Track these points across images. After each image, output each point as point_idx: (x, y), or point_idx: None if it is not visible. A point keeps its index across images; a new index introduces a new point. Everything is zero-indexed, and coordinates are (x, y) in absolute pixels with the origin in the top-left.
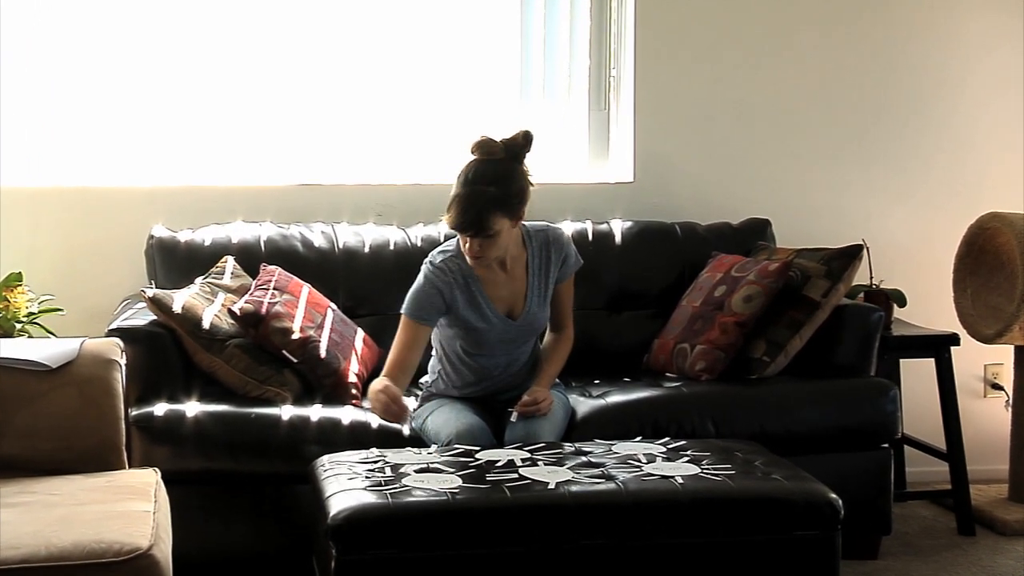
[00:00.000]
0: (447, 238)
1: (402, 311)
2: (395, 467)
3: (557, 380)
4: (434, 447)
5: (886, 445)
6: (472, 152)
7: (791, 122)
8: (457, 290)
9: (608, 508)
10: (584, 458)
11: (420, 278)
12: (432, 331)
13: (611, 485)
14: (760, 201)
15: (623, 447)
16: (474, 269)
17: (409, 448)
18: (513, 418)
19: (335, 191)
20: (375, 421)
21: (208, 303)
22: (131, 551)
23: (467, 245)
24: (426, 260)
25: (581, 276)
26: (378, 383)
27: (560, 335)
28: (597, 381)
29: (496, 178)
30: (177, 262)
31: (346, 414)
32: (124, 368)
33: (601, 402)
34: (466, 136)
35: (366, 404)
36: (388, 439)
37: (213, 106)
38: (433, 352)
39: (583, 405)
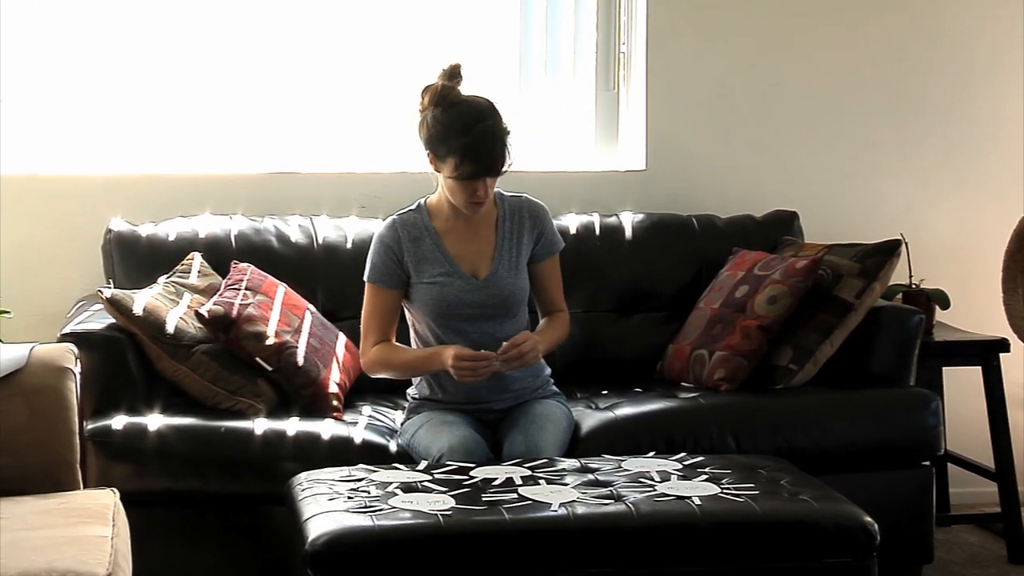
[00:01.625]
0: None
1: (364, 278)
2: (381, 486)
3: (558, 390)
4: (424, 463)
5: (927, 463)
6: (434, 103)
7: (822, 104)
8: (410, 243)
9: (617, 532)
10: (591, 476)
11: (374, 238)
12: (399, 296)
13: (620, 506)
14: (787, 192)
15: (634, 464)
16: (431, 223)
17: (396, 465)
18: (497, 362)
19: (314, 180)
20: (358, 435)
21: (173, 305)
22: None
23: (479, 192)
24: None
25: (586, 274)
26: (448, 358)
27: (554, 316)
28: (605, 392)
29: (487, 112)
30: (138, 259)
31: (326, 428)
32: (78, 377)
33: (609, 415)
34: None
35: (348, 417)
36: (373, 455)
37: (177, 85)
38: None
39: (589, 418)
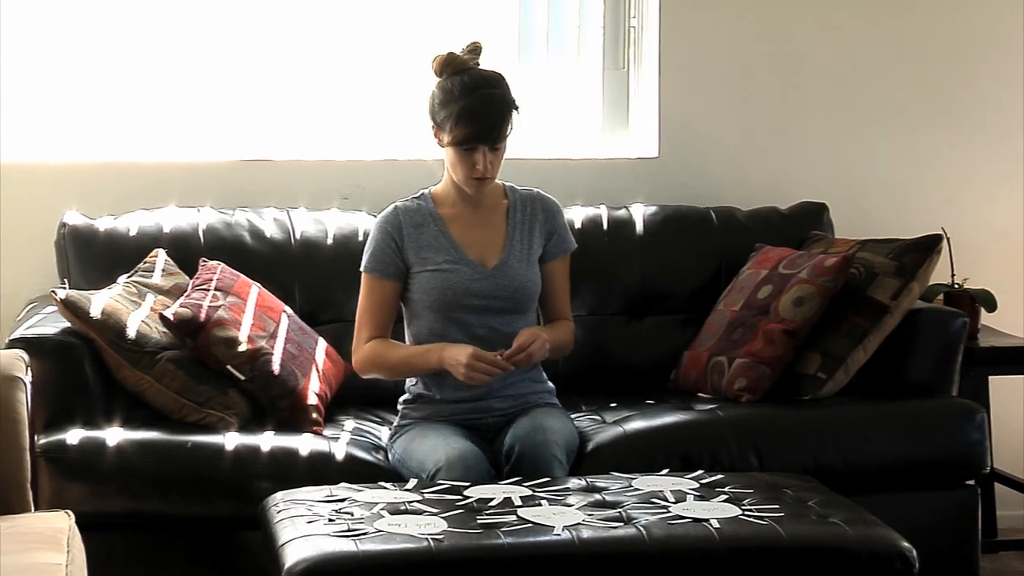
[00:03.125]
0: None
1: (361, 268)
2: (365, 507)
3: (558, 402)
4: (413, 482)
5: (971, 482)
6: (441, 70)
7: (855, 83)
8: (412, 228)
9: (627, 559)
10: (598, 496)
11: (373, 226)
12: (398, 288)
13: (630, 530)
14: (815, 181)
15: (645, 483)
16: (436, 209)
17: (382, 484)
18: (501, 357)
19: (291, 169)
20: (340, 451)
21: (134, 307)
22: None
23: (478, 165)
24: None
25: (593, 273)
26: (461, 355)
27: (558, 324)
28: (613, 403)
29: (493, 80)
30: (95, 256)
31: (305, 443)
32: (29, 387)
33: (619, 429)
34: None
35: (329, 431)
36: (357, 473)
37: (139, 64)
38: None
39: (597, 432)
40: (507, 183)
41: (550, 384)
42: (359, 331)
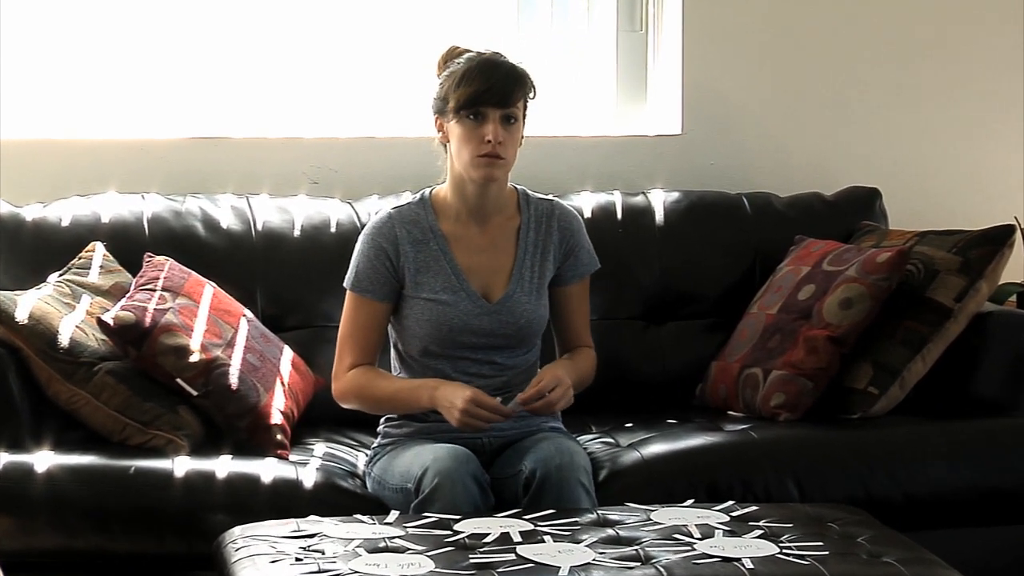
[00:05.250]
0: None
1: (345, 283)
2: (339, 544)
3: (563, 427)
4: (395, 515)
5: None
6: (445, 62)
7: (912, 49)
8: (410, 245)
9: None
10: (611, 531)
11: (361, 235)
12: (389, 309)
13: (649, 571)
14: (865, 163)
15: (667, 515)
16: (438, 224)
17: (359, 516)
18: (512, 406)
19: (251, 148)
20: (309, 478)
21: (67, 310)
22: None
23: (487, 136)
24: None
25: (605, 271)
26: (458, 397)
27: (578, 352)
28: (629, 424)
29: (497, 56)
30: (21, 251)
31: (268, 469)
32: None
33: (635, 454)
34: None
35: (296, 456)
36: (329, 503)
37: (73, 28)
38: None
39: (610, 458)
40: (520, 187)
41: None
42: (341, 355)
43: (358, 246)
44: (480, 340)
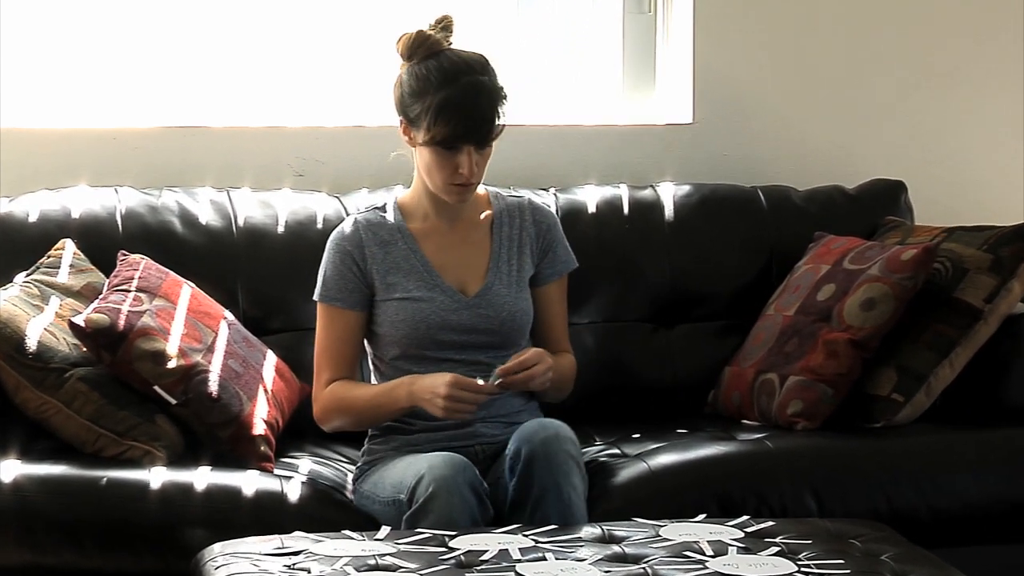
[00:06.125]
0: None
1: (315, 296)
2: (326, 562)
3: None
4: (385, 530)
5: None
6: (410, 53)
7: (940, 34)
8: (377, 247)
9: None
10: (616, 548)
11: (327, 244)
12: (363, 318)
13: None
14: (889, 154)
15: (676, 531)
16: (405, 224)
17: (347, 532)
18: (492, 380)
19: (231, 138)
20: (294, 491)
21: (36, 312)
22: None
23: (461, 168)
24: None
25: (610, 270)
26: (439, 384)
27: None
28: (636, 434)
29: (476, 64)
30: None
31: (250, 482)
32: None
33: (642, 465)
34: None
35: (280, 468)
36: (315, 518)
37: (43, 10)
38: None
39: (615, 470)
40: (491, 188)
41: (536, 403)
42: (318, 374)
43: (325, 256)
44: (461, 338)
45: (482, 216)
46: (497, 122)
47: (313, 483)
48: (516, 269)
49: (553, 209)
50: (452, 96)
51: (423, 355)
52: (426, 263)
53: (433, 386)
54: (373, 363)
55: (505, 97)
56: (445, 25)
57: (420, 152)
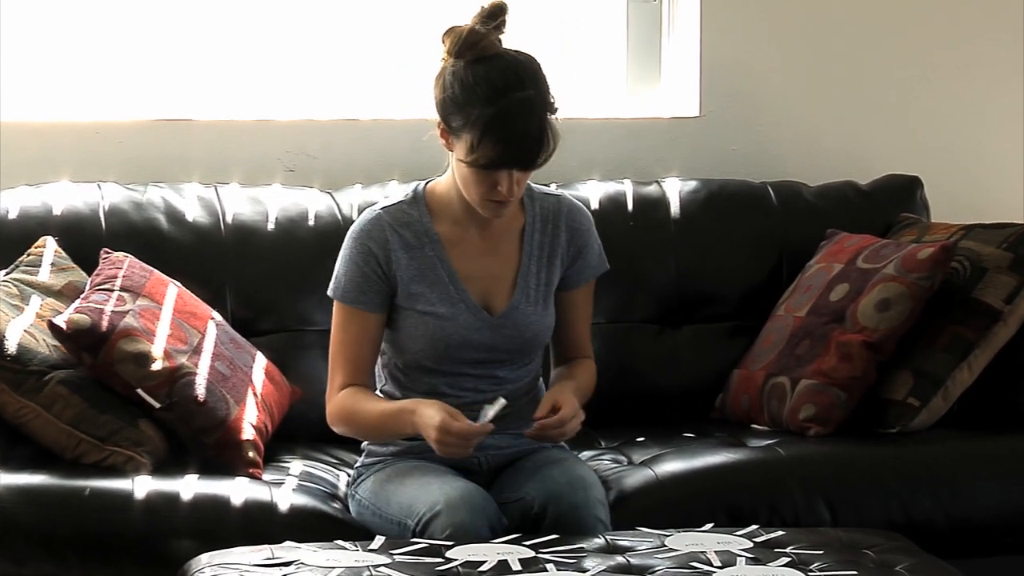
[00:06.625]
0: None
1: (331, 293)
2: (318, 572)
3: (566, 445)
4: (379, 540)
5: None
6: (456, 52)
7: (958, 24)
8: (403, 250)
9: None
10: (620, 558)
11: (347, 238)
12: (382, 320)
13: None
14: (904, 148)
15: (683, 541)
16: (433, 226)
17: (340, 542)
18: (485, 418)
19: (219, 132)
20: (284, 500)
21: (15, 312)
22: None
23: (500, 187)
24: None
25: (614, 269)
26: (430, 423)
27: (577, 364)
28: (641, 438)
29: (528, 73)
30: None
31: (238, 489)
32: None
33: (648, 472)
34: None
35: (270, 475)
36: (306, 527)
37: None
38: (377, 382)
39: (620, 477)
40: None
41: None
42: (332, 375)
43: (344, 250)
44: (480, 355)
45: (513, 223)
46: (548, 146)
47: (304, 490)
48: (544, 283)
49: None
50: (499, 117)
51: (438, 368)
52: (452, 274)
53: (425, 425)
54: (382, 358)
55: (555, 110)
56: (497, 18)
57: (459, 167)
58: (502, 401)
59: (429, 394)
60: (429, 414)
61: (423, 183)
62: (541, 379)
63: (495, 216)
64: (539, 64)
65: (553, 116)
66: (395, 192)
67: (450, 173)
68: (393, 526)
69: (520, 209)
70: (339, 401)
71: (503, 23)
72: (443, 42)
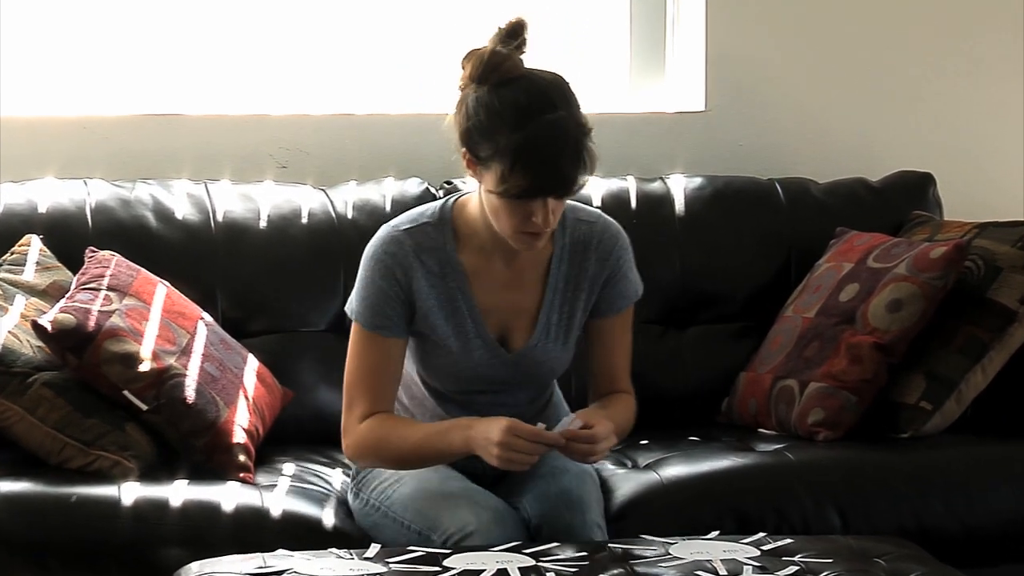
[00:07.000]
0: (399, 208)
1: (351, 314)
2: None
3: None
4: (375, 548)
5: None
6: (478, 78)
7: (971, 15)
8: (425, 279)
9: None
10: (624, 567)
11: (368, 256)
12: (405, 344)
13: None
14: (916, 144)
15: (688, 549)
16: (458, 255)
17: (333, 551)
18: (559, 430)
19: (210, 126)
20: (277, 505)
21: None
22: None
23: (535, 218)
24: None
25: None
26: (494, 431)
27: (615, 398)
28: (645, 441)
29: (557, 94)
30: None
31: (229, 495)
32: None
33: (653, 476)
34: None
35: (262, 479)
36: (299, 535)
37: None
38: None
39: (623, 482)
40: None
41: (562, 398)
42: (351, 404)
43: (365, 271)
44: (492, 387)
45: (541, 253)
46: (584, 170)
47: (297, 494)
48: (567, 317)
49: None
50: (530, 142)
51: (447, 392)
52: (473, 309)
53: (487, 432)
54: None
55: (589, 132)
56: (518, 37)
57: (488, 197)
58: (575, 420)
59: (435, 410)
60: (490, 424)
61: (452, 199)
62: (560, 398)
63: (528, 249)
64: (567, 83)
65: (587, 138)
66: (419, 208)
67: (478, 203)
68: (409, 532)
69: (549, 238)
70: (367, 431)
71: (524, 42)
72: (463, 67)
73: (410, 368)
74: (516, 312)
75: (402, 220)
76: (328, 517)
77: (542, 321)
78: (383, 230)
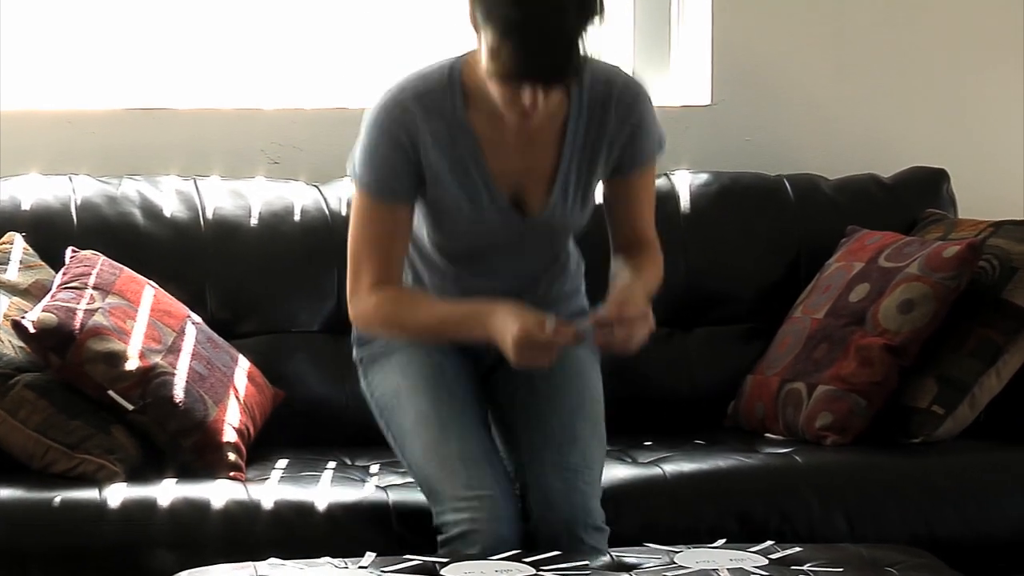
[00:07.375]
0: None
1: (353, 178)
2: None
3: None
4: (370, 557)
5: None
6: None
7: (985, 5)
8: (432, 143)
9: None
10: None
11: (372, 123)
12: (412, 209)
13: None
14: (929, 140)
15: (693, 558)
16: (467, 117)
17: (328, 559)
18: (581, 329)
19: (199, 121)
20: (268, 505)
21: None
22: None
23: (524, 101)
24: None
25: None
26: (509, 326)
27: (641, 252)
28: (648, 442)
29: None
30: None
31: (219, 495)
32: None
33: (658, 481)
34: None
35: (253, 480)
36: (292, 534)
37: None
38: None
39: (627, 486)
40: None
41: (585, 302)
42: (357, 271)
43: (370, 138)
44: (507, 252)
45: (556, 112)
46: (578, 56)
47: (289, 494)
48: (585, 179)
49: None
50: (520, 21)
51: (458, 254)
52: (486, 175)
53: (503, 333)
54: None
55: (593, 16)
56: None
57: (480, 59)
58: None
59: (444, 280)
60: (505, 322)
61: (458, 58)
62: (570, 255)
63: (521, 120)
64: None
65: (590, 26)
66: (426, 67)
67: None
68: (408, 469)
69: (565, 96)
70: (379, 304)
71: None
72: None
73: (420, 228)
74: (531, 175)
75: (408, 82)
76: (320, 518)
77: (559, 184)
78: (388, 94)
